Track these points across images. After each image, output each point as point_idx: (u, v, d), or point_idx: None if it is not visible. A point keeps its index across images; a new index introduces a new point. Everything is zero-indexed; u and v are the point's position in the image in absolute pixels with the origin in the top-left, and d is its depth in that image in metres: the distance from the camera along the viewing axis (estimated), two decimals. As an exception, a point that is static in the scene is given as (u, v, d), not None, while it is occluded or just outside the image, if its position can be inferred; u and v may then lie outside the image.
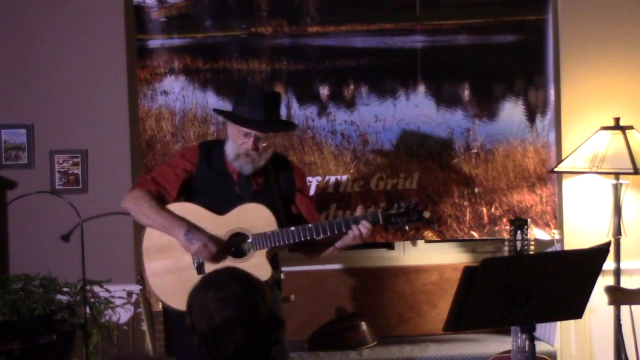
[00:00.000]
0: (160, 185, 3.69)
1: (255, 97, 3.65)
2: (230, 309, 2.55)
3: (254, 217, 3.62)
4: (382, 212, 3.60)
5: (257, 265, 3.58)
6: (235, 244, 3.63)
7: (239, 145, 3.64)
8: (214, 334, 2.55)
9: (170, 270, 3.62)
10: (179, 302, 3.47)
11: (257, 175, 3.72)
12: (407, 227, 3.76)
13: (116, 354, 4.33)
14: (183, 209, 3.65)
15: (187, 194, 3.72)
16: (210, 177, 3.71)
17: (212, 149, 3.76)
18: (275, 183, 3.73)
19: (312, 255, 3.86)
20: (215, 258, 3.58)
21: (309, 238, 3.60)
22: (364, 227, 3.56)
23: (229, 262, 3.61)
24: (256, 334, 2.57)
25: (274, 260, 3.72)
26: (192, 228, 3.58)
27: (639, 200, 4.78)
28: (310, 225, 3.61)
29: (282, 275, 3.77)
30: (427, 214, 3.61)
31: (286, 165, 3.85)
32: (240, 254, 3.63)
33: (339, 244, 3.68)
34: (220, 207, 3.64)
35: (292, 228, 3.59)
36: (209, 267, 3.58)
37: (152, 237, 3.65)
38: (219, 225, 3.62)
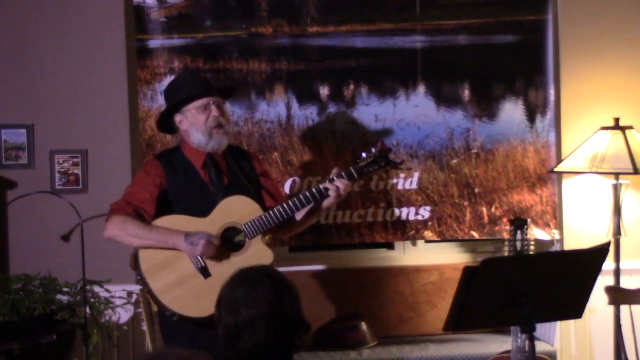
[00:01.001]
0: (136, 206, 3.67)
1: (188, 76, 3.89)
2: (258, 307, 2.56)
3: (238, 209, 3.66)
4: (354, 167, 3.78)
5: (257, 252, 3.63)
6: (229, 239, 3.65)
7: (204, 121, 3.71)
8: (238, 329, 2.56)
9: (177, 282, 3.60)
10: (197, 310, 3.50)
11: (222, 159, 3.76)
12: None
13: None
14: (169, 222, 3.64)
15: (163, 208, 3.70)
16: (181, 183, 3.73)
17: (171, 157, 3.80)
18: (240, 171, 3.78)
19: (294, 230, 3.94)
20: (220, 252, 3.59)
21: (295, 211, 3.68)
22: (341, 182, 3.72)
23: (231, 256, 3.62)
24: (279, 335, 2.58)
25: None
26: (189, 232, 3.59)
27: (639, 200, 4.78)
28: (294, 198, 3.68)
29: None
30: (392, 156, 3.85)
31: (241, 152, 3.94)
32: (237, 247, 3.65)
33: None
34: (201, 210, 3.66)
35: (278, 206, 3.67)
36: (213, 269, 3.59)
37: (148, 258, 3.62)
38: (207, 226, 3.63)
